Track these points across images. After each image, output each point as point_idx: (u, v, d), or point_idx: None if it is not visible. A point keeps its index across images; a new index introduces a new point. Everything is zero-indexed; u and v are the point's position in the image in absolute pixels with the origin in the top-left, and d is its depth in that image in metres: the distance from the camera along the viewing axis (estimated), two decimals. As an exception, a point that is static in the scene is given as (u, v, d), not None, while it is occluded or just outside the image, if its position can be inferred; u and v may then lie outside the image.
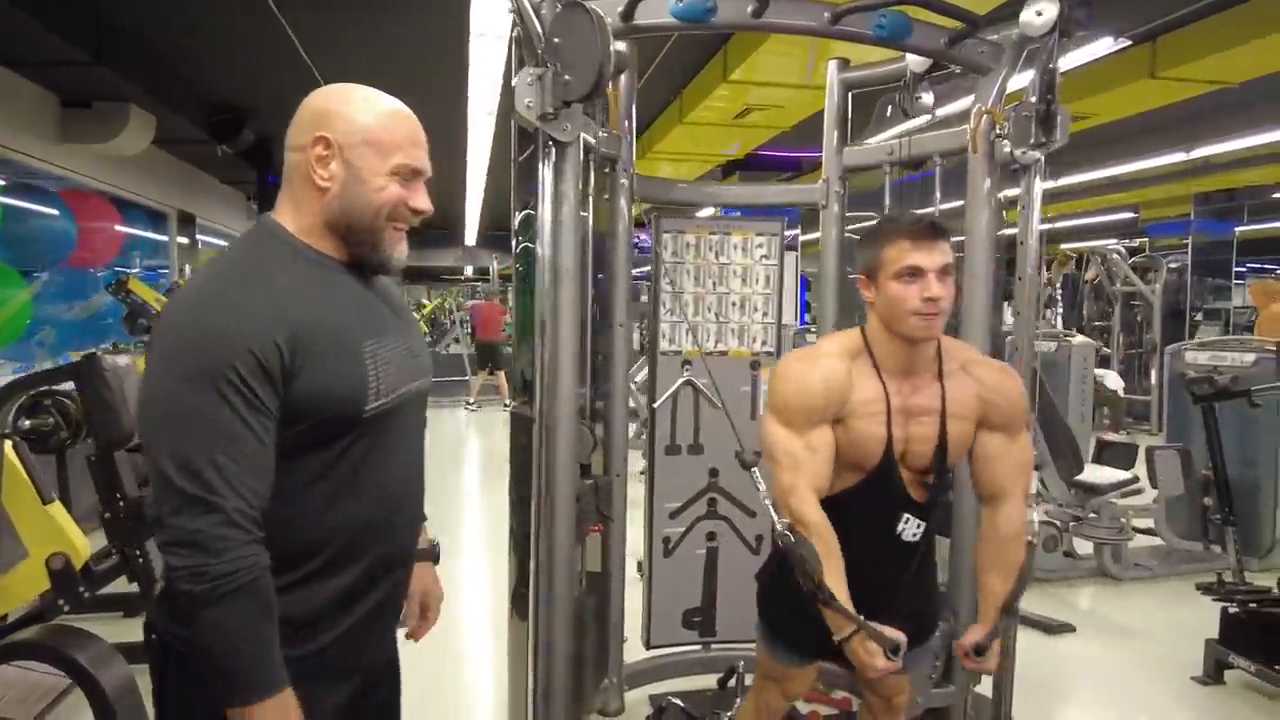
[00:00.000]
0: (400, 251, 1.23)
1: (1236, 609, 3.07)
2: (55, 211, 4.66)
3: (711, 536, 2.99)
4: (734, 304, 2.94)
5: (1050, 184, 8.05)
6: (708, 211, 5.38)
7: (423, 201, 1.22)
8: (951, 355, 1.65)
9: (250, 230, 1.22)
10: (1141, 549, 4.41)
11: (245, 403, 1.03)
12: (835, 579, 1.50)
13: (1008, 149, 2.24)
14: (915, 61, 2.58)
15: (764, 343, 2.96)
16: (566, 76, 1.84)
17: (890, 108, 2.72)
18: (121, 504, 2.54)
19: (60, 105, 4.54)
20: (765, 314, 2.96)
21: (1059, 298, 9.16)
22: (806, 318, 9.53)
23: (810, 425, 1.55)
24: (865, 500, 1.63)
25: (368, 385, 1.14)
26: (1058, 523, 4.24)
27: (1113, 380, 7.76)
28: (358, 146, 1.15)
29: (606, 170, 2.66)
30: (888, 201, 2.70)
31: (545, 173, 2.00)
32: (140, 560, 2.55)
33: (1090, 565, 4.20)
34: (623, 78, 2.66)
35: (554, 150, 2.00)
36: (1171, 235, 9.80)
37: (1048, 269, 9.81)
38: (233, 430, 1.02)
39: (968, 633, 1.65)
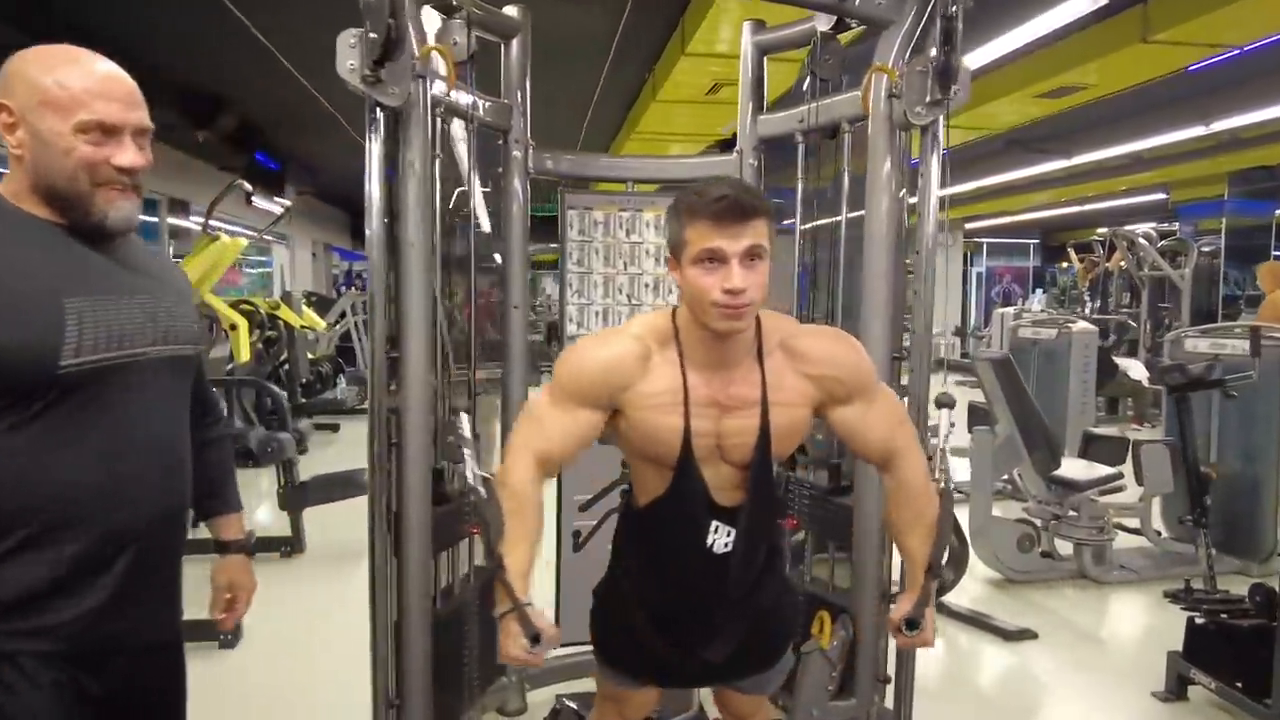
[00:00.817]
0: (119, 210, 1.18)
1: (1203, 619, 2.81)
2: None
3: (625, 531, 2.84)
4: (647, 285, 2.77)
5: (1063, 163, 7.67)
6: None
7: (127, 157, 1.17)
8: (771, 335, 1.41)
9: None
10: (1131, 550, 4.11)
11: None
12: (516, 549, 1.33)
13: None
14: (824, 20, 2.38)
15: (680, 326, 2.79)
16: (372, 34, 1.71)
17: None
18: None
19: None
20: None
21: (1088, 296, 8.72)
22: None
23: (575, 404, 1.38)
24: (673, 507, 1.45)
25: (63, 342, 1.11)
26: (1036, 521, 3.98)
27: (1137, 370, 7.35)
28: (36, 109, 1.13)
29: (499, 142, 2.53)
30: (801, 177, 2.49)
31: (372, 141, 1.87)
32: None
33: (1070, 567, 3.92)
34: (514, 43, 2.52)
35: (380, 115, 1.87)
36: (1205, 217, 9.19)
37: (1078, 260, 9.35)
38: None
39: (897, 605, 1.46)
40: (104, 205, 1.17)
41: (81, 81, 1.14)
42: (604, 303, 2.75)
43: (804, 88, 2.52)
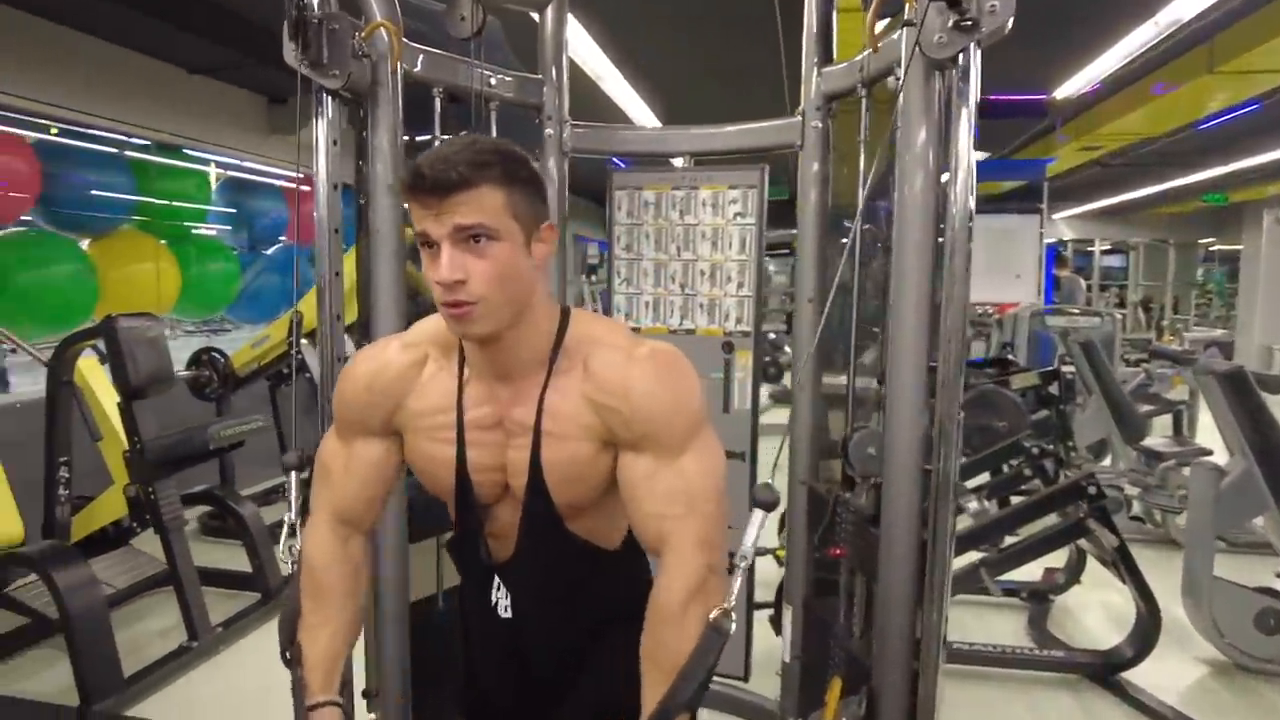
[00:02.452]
0: None
1: None
2: (270, 197, 5.48)
3: (679, 546, 2.56)
4: (703, 273, 2.45)
5: None
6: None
7: None
8: (576, 349, 1.09)
9: None
10: None
11: None
12: (316, 635, 1.11)
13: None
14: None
15: (739, 320, 2.43)
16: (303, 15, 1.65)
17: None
18: (139, 445, 2.88)
19: (268, 103, 5.30)
20: (741, 285, 2.42)
21: None
22: (1054, 296, 7.82)
23: (354, 433, 1.17)
24: (456, 551, 1.22)
25: None
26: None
27: None
28: None
29: (536, 121, 2.37)
30: (862, 141, 2.03)
31: (317, 122, 1.81)
32: (151, 496, 2.87)
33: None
34: (548, 13, 2.34)
35: (328, 98, 1.80)
36: None
37: None
38: None
39: None
40: None
41: None
42: (654, 292, 2.49)
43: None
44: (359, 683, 2.13)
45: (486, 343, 1.06)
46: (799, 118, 2.23)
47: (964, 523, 2.98)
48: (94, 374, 3.12)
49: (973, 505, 3.03)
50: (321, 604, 1.14)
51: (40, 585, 2.62)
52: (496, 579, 1.17)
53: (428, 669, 2.12)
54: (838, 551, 2.06)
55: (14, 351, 4.36)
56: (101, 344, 2.89)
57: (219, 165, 5.56)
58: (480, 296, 0.99)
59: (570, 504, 1.11)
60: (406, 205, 1.02)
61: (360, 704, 2.13)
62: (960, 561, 3.20)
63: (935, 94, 1.60)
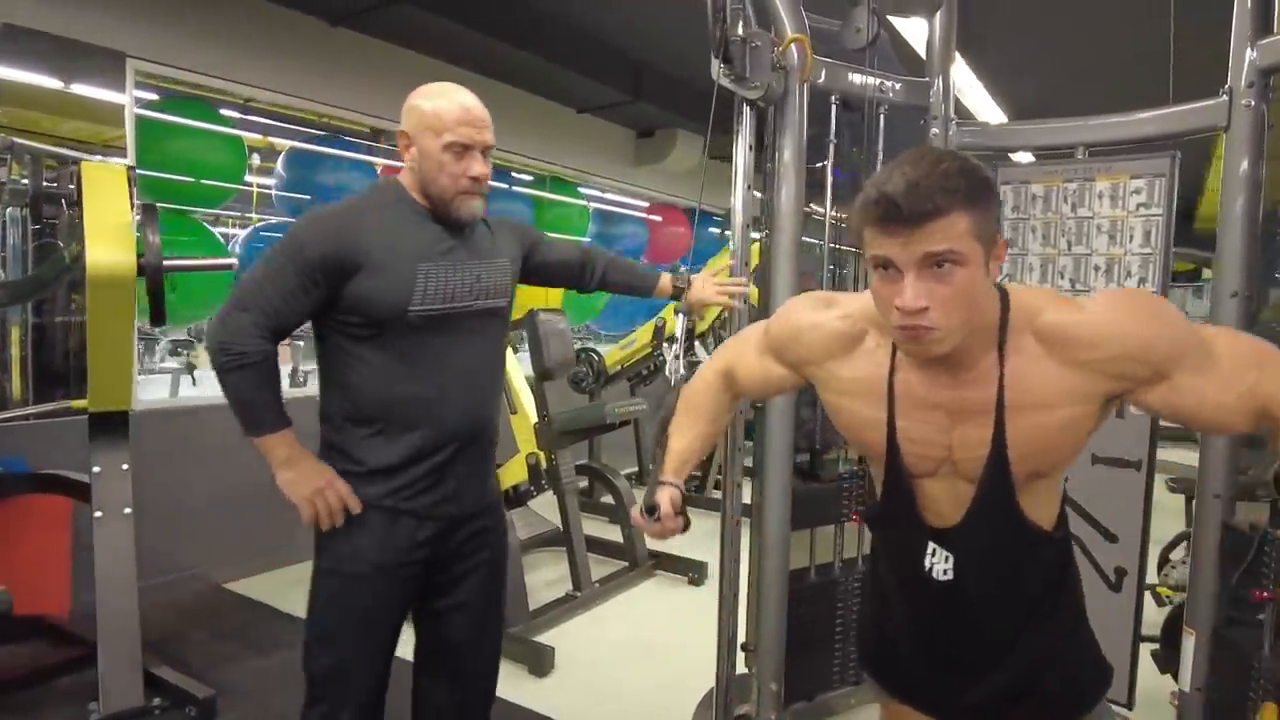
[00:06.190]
0: (468, 209, 1.57)
1: None
2: (632, 222, 6.14)
3: (1055, 555, 2.45)
4: (1097, 269, 2.34)
5: None
6: None
7: (476, 168, 1.55)
8: (1019, 319, 1.09)
9: (378, 181, 1.78)
10: None
11: (308, 279, 1.49)
12: (677, 434, 1.39)
13: None
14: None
15: (1140, 319, 2.28)
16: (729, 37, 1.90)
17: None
18: (547, 417, 3.41)
19: (636, 137, 5.95)
20: (1144, 281, 2.27)
21: None
22: None
23: (770, 353, 1.33)
24: (885, 515, 1.27)
25: (413, 293, 1.52)
26: None
27: None
28: (422, 133, 1.54)
29: (921, 122, 2.46)
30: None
31: (737, 133, 2.08)
32: (553, 462, 3.38)
33: None
34: (937, 19, 2.42)
35: (747, 109, 2.05)
36: None
37: None
38: (288, 286, 1.49)
39: None
40: (457, 206, 1.56)
41: (451, 112, 1.52)
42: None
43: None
44: (740, 637, 2.35)
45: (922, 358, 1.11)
46: (1224, 96, 2.05)
47: None
48: (511, 360, 3.76)
49: None
50: (690, 416, 1.41)
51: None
52: (932, 545, 1.20)
53: (797, 631, 2.27)
54: (1264, 595, 1.84)
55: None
56: (524, 332, 3.49)
57: (593, 194, 6.38)
58: (939, 323, 1.01)
59: (1032, 473, 1.12)
60: (860, 222, 1.04)
61: (740, 656, 2.35)
62: None
63: None
